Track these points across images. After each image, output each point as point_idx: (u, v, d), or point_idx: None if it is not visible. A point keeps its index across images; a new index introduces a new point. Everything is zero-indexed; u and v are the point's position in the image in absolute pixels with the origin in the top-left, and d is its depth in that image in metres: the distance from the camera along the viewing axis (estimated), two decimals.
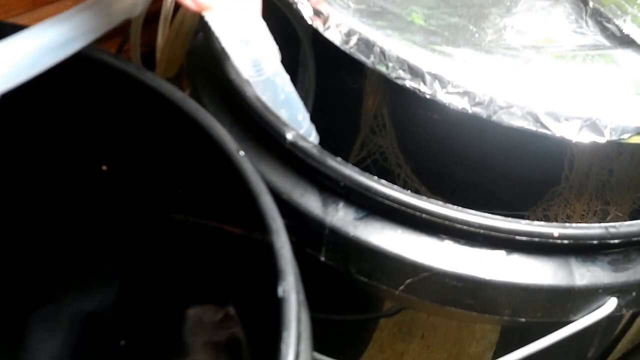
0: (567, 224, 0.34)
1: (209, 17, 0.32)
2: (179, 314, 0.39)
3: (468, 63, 0.38)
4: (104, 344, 0.42)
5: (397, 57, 0.37)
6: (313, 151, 0.35)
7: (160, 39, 0.57)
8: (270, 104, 0.36)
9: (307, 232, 0.36)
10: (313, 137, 0.39)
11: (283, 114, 0.36)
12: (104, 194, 0.42)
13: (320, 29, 0.39)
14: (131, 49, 0.57)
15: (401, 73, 0.37)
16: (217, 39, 0.34)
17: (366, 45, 0.38)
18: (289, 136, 0.35)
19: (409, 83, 0.37)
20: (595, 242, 0.34)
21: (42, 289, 0.43)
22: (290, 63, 0.34)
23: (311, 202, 0.36)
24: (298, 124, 0.38)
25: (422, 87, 0.37)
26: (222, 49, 0.35)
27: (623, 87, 0.39)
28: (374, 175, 0.34)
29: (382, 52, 0.38)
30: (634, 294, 0.36)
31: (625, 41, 0.43)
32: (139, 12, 0.36)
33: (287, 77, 0.36)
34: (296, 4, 0.40)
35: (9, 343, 0.42)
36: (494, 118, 0.36)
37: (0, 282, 0.42)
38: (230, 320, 0.36)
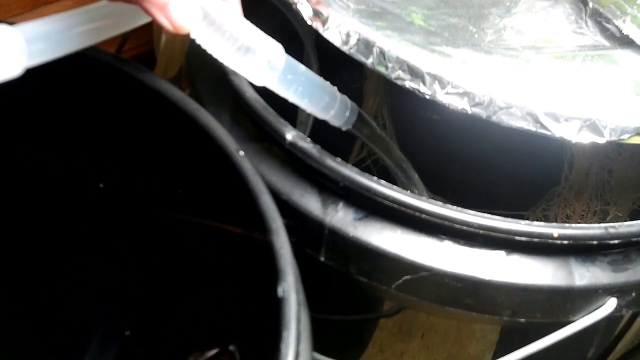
0: (567, 224, 0.34)
1: (195, 36, 0.31)
2: (180, 309, 0.40)
3: (468, 63, 0.38)
4: (109, 334, 0.42)
5: (397, 58, 0.37)
6: (313, 151, 0.35)
7: (160, 39, 0.57)
8: (292, 99, 0.35)
9: (306, 232, 0.36)
10: (349, 111, 0.39)
11: (307, 103, 0.36)
12: (104, 193, 0.42)
13: (320, 29, 0.39)
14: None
15: (401, 74, 0.37)
16: (213, 57, 0.32)
17: (366, 45, 0.38)
18: (289, 136, 0.36)
19: (409, 84, 0.37)
20: (594, 242, 0.34)
21: (43, 290, 0.43)
22: None
23: (311, 202, 0.36)
24: (328, 105, 0.37)
25: (422, 88, 0.37)
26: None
27: (623, 88, 0.39)
28: (374, 175, 0.34)
29: (382, 53, 0.38)
30: (633, 294, 0.36)
31: (625, 41, 0.43)
32: None
33: (300, 66, 0.34)
34: (295, 4, 0.40)
35: (9, 347, 0.42)
36: (494, 118, 0.36)
37: (2, 283, 0.42)
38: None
